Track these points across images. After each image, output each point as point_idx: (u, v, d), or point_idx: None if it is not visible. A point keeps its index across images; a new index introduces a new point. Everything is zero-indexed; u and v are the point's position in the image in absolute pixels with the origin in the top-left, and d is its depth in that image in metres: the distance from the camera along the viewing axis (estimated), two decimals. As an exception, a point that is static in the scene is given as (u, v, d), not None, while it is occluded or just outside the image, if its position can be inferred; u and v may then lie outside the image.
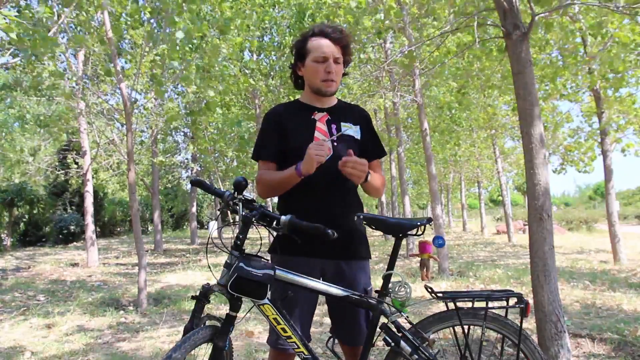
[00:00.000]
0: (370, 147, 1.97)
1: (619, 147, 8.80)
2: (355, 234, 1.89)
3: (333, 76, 1.86)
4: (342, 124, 1.92)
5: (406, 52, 5.37)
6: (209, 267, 1.91)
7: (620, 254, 8.22)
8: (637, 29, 4.90)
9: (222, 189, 1.74)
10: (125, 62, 8.45)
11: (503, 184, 15.44)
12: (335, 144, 1.88)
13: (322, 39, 1.86)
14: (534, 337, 2.84)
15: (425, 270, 8.51)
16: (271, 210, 1.72)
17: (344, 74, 1.99)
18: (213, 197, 24.20)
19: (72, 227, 18.22)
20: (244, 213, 1.67)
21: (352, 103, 2.08)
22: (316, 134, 1.89)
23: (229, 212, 1.73)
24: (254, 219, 1.65)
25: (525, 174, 2.86)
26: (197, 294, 1.66)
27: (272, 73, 10.87)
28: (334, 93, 1.93)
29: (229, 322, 1.65)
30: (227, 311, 1.66)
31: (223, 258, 1.75)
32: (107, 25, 5.26)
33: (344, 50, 1.89)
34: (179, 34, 4.78)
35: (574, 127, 9.97)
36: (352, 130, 1.93)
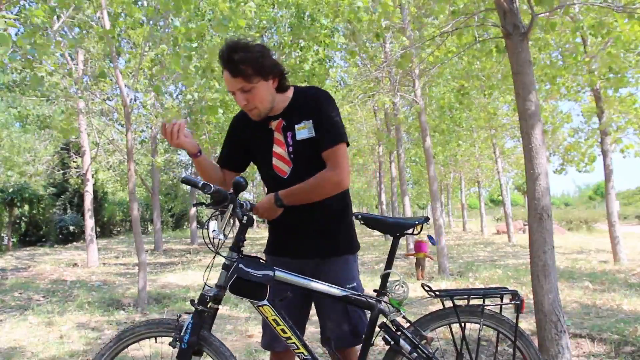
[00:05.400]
0: (324, 136, 1.76)
1: (619, 148, 8.79)
2: (331, 233, 1.85)
3: (249, 106, 1.74)
4: (296, 127, 1.80)
5: (401, 53, 5.38)
6: (209, 268, 1.87)
7: (620, 254, 8.21)
8: (637, 27, 4.89)
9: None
10: (126, 62, 8.44)
11: (503, 184, 15.44)
12: (292, 156, 1.80)
13: (225, 72, 1.70)
14: (534, 338, 2.84)
15: (420, 269, 8.55)
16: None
17: (283, 76, 1.77)
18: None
19: (72, 227, 18.21)
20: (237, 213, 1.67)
21: (308, 87, 1.89)
22: (274, 148, 1.82)
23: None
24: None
25: (525, 174, 2.86)
26: (196, 298, 1.66)
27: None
28: (264, 116, 1.79)
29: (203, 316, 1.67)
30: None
31: (223, 258, 1.73)
32: (106, 25, 5.26)
33: (249, 78, 1.67)
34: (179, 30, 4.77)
35: (574, 127, 9.97)
36: (306, 130, 1.78)
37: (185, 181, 1.67)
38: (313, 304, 1.89)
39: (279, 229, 1.90)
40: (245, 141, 1.90)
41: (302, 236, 1.84)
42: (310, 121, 1.78)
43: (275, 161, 1.82)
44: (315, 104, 1.78)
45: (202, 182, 1.60)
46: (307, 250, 1.83)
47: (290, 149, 1.80)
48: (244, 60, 1.65)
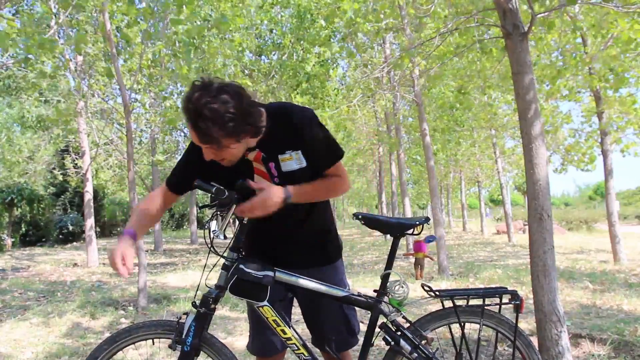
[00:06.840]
0: (319, 160, 1.68)
1: (619, 148, 8.79)
2: (325, 243, 1.84)
3: (217, 158, 1.56)
4: (279, 157, 1.65)
5: (399, 56, 5.39)
6: (209, 269, 1.89)
7: (620, 254, 8.21)
8: (637, 26, 4.89)
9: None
10: (124, 61, 8.43)
11: (503, 184, 15.44)
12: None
13: (190, 129, 1.47)
14: (534, 338, 2.84)
15: (419, 269, 8.55)
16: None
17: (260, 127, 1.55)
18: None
19: (72, 227, 18.22)
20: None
21: (281, 109, 1.65)
22: (256, 179, 1.69)
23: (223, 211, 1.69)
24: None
25: (525, 174, 2.86)
26: (198, 300, 1.65)
27: (272, 73, 10.87)
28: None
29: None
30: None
31: (222, 259, 1.72)
32: (107, 26, 5.25)
33: (220, 144, 1.47)
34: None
35: (574, 127, 9.98)
36: (293, 161, 1.65)
37: (197, 186, 1.59)
38: (301, 306, 1.87)
39: (264, 238, 1.80)
40: (210, 170, 1.66)
41: (296, 246, 1.79)
42: (299, 152, 1.64)
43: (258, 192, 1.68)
44: (298, 133, 1.62)
45: (215, 188, 1.53)
46: (302, 260, 1.79)
47: (276, 179, 1.67)
48: (213, 131, 1.43)
